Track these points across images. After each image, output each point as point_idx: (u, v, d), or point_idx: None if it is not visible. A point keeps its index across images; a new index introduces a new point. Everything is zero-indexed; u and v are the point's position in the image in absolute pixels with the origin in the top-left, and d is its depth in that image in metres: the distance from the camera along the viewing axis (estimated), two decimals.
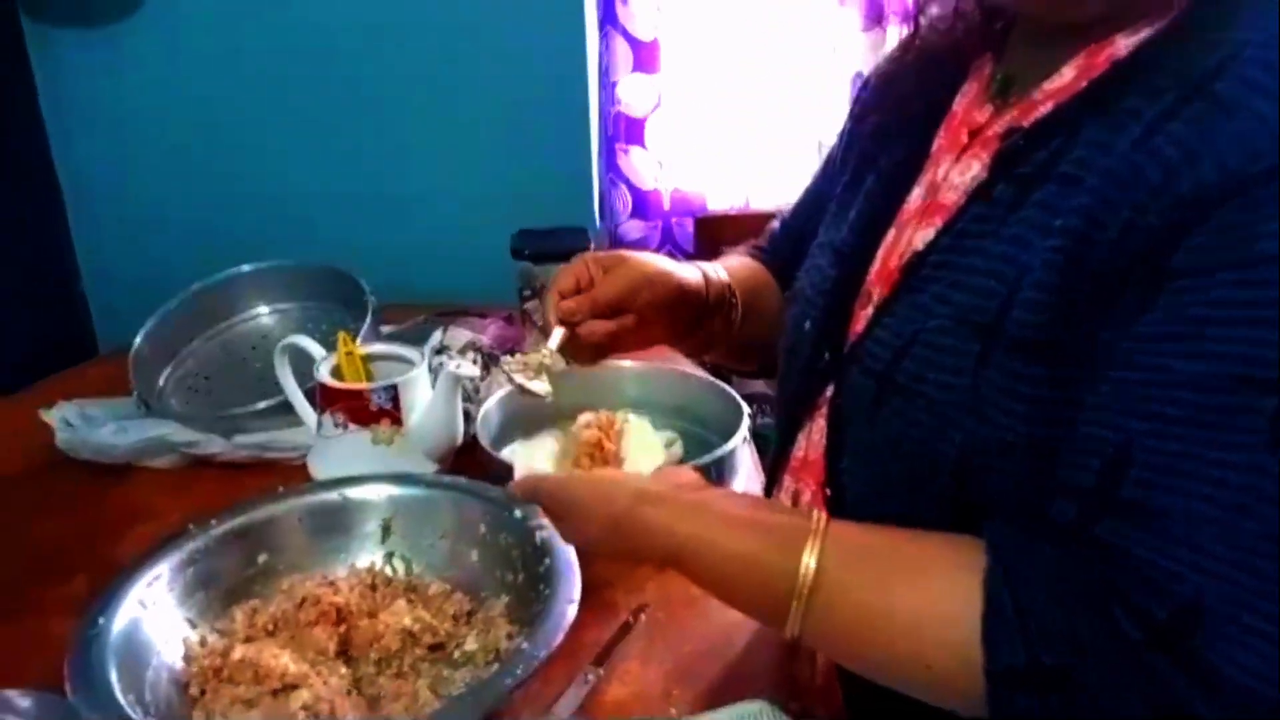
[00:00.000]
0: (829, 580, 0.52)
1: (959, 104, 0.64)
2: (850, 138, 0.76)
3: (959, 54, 0.66)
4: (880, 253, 0.63)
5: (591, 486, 0.62)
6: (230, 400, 1.12)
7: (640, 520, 0.57)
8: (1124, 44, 0.54)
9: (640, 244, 1.54)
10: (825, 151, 0.84)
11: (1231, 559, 0.42)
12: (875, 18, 1.41)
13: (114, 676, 0.63)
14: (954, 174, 0.60)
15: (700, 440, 1.03)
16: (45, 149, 1.43)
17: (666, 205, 1.53)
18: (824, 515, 0.54)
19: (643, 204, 1.52)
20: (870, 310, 0.61)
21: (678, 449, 1.02)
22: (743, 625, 0.80)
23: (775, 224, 0.90)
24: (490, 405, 0.99)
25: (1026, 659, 0.45)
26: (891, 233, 0.63)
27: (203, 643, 0.72)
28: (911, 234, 0.61)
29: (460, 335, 1.16)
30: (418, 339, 1.23)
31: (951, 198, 0.59)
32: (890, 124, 0.68)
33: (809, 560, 0.52)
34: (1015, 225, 0.53)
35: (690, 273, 0.78)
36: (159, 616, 0.71)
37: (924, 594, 0.50)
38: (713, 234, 1.54)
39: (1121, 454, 0.45)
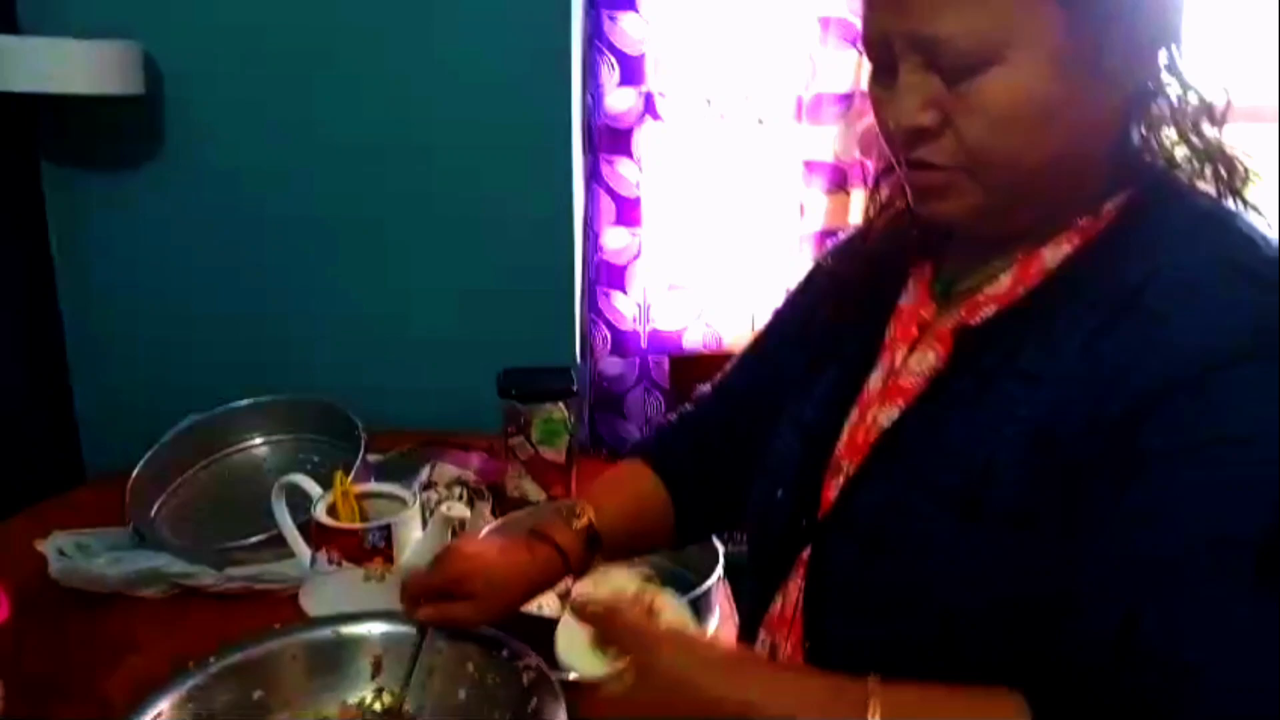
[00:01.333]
0: None
1: (905, 301, 0.74)
2: (804, 326, 0.84)
3: (902, 256, 0.76)
4: (846, 430, 0.71)
5: (671, 637, 0.65)
6: (222, 530, 1.16)
7: (708, 681, 0.60)
8: (1049, 256, 0.64)
9: (619, 380, 1.62)
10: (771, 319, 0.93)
11: (1234, 700, 0.48)
12: (839, 183, 1.55)
13: None
14: (911, 362, 0.68)
15: (677, 577, 1.07)
16: (50, 279, 1.50)
17: (644, 344, 1.62)
18: (876, 677, 0.58)
19: (621, 342, 1.61)
20: (842, 480, 0.68)
21: (654, 586, 1.07)
22: None
23: (706, 388, 0.96)
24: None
25: None
26: (855, 412, 0.71)
27: None
28: (875, 413, 0.69)
29: (448, 471, 1.22)
30: (404, 469, 1.29)
31: (911, 381, 0.67)
32: (843, 315, 0.78)
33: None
34: (981, 412, 0.61)
35: (543, 568, 0.81)
36: None
37: None
38: (686, 371, 1.62)
39: (1132, 613, 0.52)
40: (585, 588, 0.76)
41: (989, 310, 0.65)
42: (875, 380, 0.71)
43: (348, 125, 1.48)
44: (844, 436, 0.71)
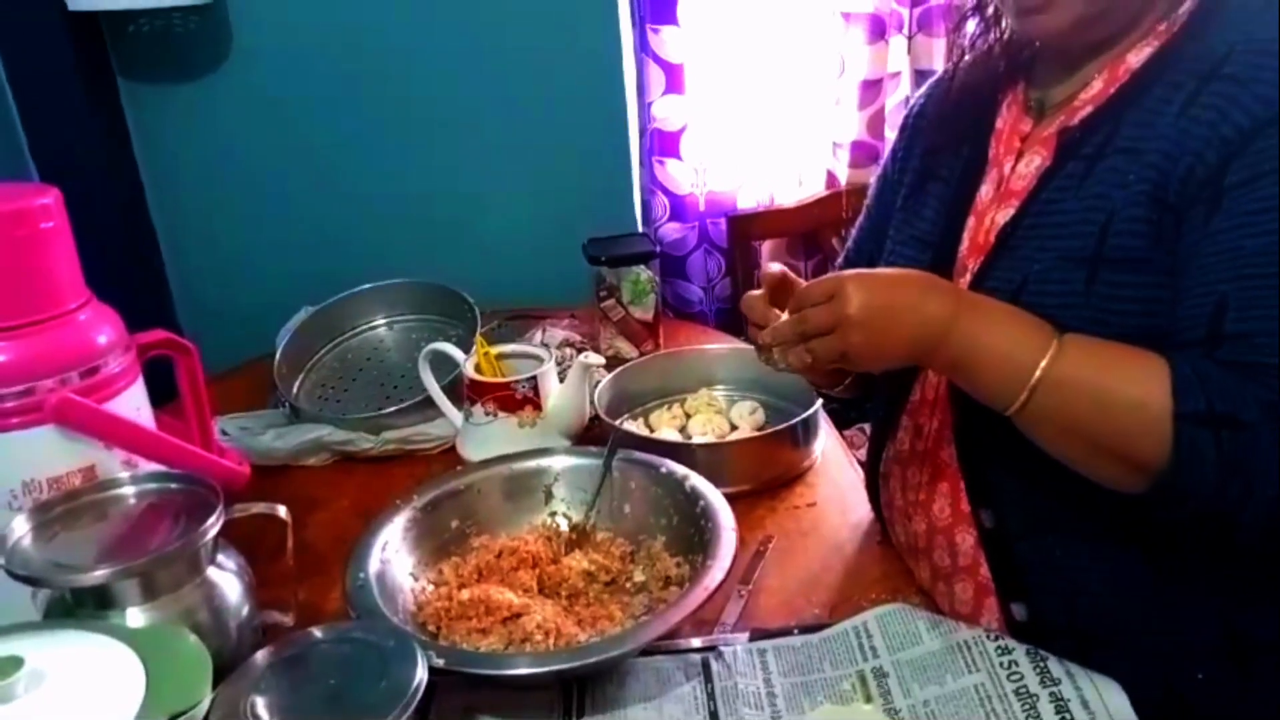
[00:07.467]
0: (1058, 370, 0.66)
1: (1002, 121, 0.84)
2: (903, 161, 0.94)
3: (992, 83, 0.86)
4: (966, 235, 0.82)
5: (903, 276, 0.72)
6: (355, 405, 1.28)
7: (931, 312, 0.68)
8: (1134, 59, 0.74)
9: (679, 244, 1.72)
10: (873, 184, 1.01)
11: None
12: (879, 32, 1.60)
13: (385, 610, 0.80)
14: (1020, 167, 0.79)
15: (778, 409, 1.20)
16: (141, 195, 1.57)
17: (701, 207, 1.71)
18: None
19: (680, 208, 1.70)
20: (968, 277, 0.79)
21: (760, 415, 1.20)
22: (845, 547, 0.98)
23: (843, 256, 1.05)
24: (604, 385, 1.16)
25: (1205, 405, 0.62)
26: (971, 220, 0.82)
27: (424, 591, 0.89)
28: (993, 215, 0.79)
29: (557, 334, 1.33)
30: (509, 339, 1.40)
31: (1021, 184, 0.78)
32: (942, 145, 0.88)
33: (1049, 357, 0.66)
34: (1093, 187, 0.72)
35: None
36: (394, 571, 0.87)
37: (1128, 370, 0.65)
38: (743, 230, 1.72)
39: (1220, 307, 0.64)
40: None
41: (1085, 111, 0.76)
42: (986, 191, 0.82)
43: (410, 21, 1.53)
44: (964, 242, 0.82)
